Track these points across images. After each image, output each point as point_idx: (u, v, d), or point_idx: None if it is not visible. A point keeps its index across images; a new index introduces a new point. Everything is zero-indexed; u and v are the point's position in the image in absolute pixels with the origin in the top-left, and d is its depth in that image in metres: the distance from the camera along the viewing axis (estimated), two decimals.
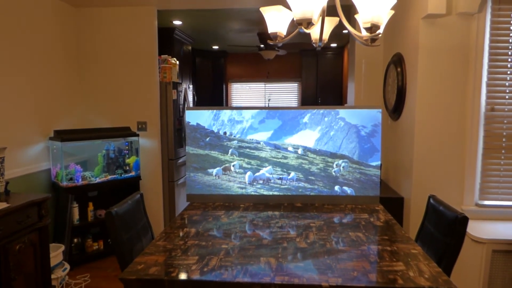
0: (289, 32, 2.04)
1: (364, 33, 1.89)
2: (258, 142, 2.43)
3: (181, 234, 1.89)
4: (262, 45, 5.59)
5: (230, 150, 2.44)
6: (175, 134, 4.23)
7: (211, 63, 7.33)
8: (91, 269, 3.50)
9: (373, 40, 1.98)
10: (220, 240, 1.80)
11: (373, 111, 2.39)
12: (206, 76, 7.24)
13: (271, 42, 2.07)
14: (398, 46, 3.26)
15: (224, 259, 1.58)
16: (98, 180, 3.61)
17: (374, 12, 1.71)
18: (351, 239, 1.81)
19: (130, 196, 2.12)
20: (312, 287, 1.36)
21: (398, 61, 3.16)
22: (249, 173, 2.44)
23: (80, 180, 3.50)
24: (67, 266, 3.24)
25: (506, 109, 2.72)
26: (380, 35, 1.79)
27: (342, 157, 2.40)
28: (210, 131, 2.45)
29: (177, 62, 4.59)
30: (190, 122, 2.45)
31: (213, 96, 7.32)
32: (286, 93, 7.56)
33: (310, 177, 2.42)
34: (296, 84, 7.51)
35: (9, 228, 2.42)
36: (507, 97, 2.71)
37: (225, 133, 2.43)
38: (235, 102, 7.68)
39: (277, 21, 1.98)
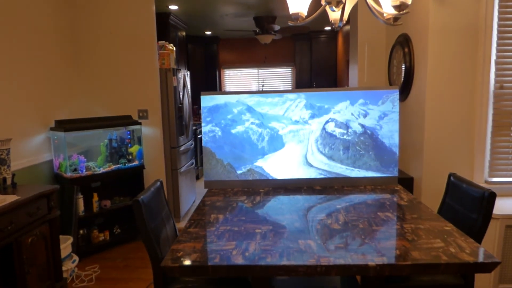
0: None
1: (390, 12, 1.86)
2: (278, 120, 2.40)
3: (210, 220, 1.86)
4: (258, 30, 5.51)
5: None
6: (177, 121, 4.16)
7: (203, 49, 7.20)
8: (99, 260, 3.45)
9: (395, 19, 1.96)
10: (252, 225, 1.78)
11: (390, 91, 2.38)
12: (198, 62, 7.12)
13: (291, 23, 2.03)
14: (404, 27, 3.25)
15: (262, 243, 1.56)
16: (102, 170, 3.52)
17: None
18: (382, 219, 1.81)
19: (151, 184, 2.07)
20: (358, 267, 1.36)
21: (404, 42, 3.16)
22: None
23: (84, 170, 3.42)
24: (76, 258, 3.18)
25: None
26: (407, 13, 1.77)
27: (359, 139, 2.40)
28: (228, 114, 2.40)
29: (174, 48, 4.49)
30: (206, 107, 2.40)
31: (206, 82, 7.22)
32: (280, 78, 7.52)
33: (331, 160, 2.41)
34: (290, 69, 7.47)
35: (21, 221, 2.35)
36: None
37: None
38: (228, 88, 7.59)
39: (298, 1, 1.93)
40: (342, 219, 1.82)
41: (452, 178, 2.16)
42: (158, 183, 2.13)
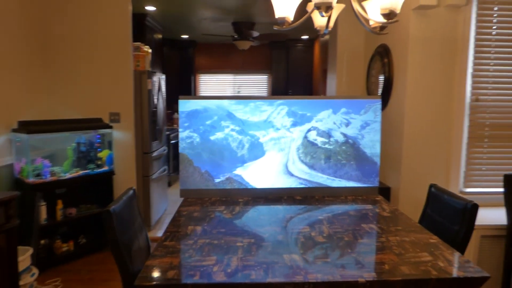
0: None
1: (378, 20, 1.83)
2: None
3: (188, 232, 1.74)
4: (236, 35, 5.44)
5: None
6: (150, 126, 4.00)
7: (179, 53, 7.04)
8: (62, 273, 3.22)
9: (382, 27, 1.94)
10: (232, 237, 1.68)
11: (372, 100, 2.36)
12: (173, 66, 6.95)
13: (276, 28, 1.97)
14: (383, 38, 3.27)
15: (245, 258, 1.46)
16: (68, 175, 3.31)
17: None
18: (366, 231, 1.76)
19: (124, 192, 1.93)
20: (348, 284, 1.28)
21: (384, 52, 3.17)
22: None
23: (48, 176, 3.19)
24: (35, 271, 2.95)
25: (489, 99, 2.81)
26: (396, 22, 1.74)
27: (341, 148, 2.36)
28: (207, 120, 2.30)
29: (150, 51, 4.34)
30: (184, 112, 2.28)
31: (181, 87, 7.06)
32: (256, 85, 7.46)
33: (312, 169, 2.35)
34: (266, 76, 7.44)
35: None
36: (490, 87, 2.81)
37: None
38: (203, 93, 7.46)
39: (285, 5, 1.86)
40: (326, 231, 1.75)
41: (433, 189, 2.15)
42: (131, 192, 1.99)
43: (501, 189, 2.69)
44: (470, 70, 2.78)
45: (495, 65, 2.78)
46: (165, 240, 1.65)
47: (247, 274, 1.32)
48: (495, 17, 2.74)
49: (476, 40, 2.76)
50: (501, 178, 2.69)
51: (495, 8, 2.73)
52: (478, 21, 2.74)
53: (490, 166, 2.87)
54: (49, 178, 3.19)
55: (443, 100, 2.81)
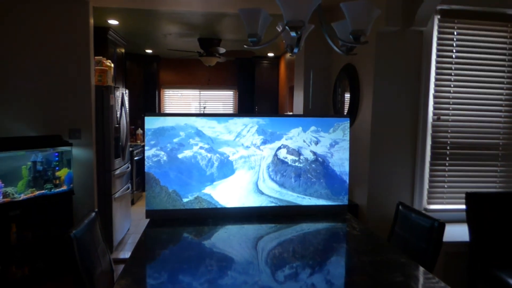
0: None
1: (347, 41, 1.87)
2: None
3: (156, 256, 1.65)
4: (203, 51, 5.41)
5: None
6: (112, 143, 3.84)
7: (143, 68, 6.90)
8: None
9: (351, 48, 1.98)
10: (203, 261, 1.60)
11: (341, 119, 2.39)
12: (137, 81, 6.79)
13: (245, 46, 1.96)
14: (349, 57, 3.35)
15: (217, 283, 1.40)
16: (23, 196, 3.09)
17: (363, 21, 1.69)
18: (338, 251, 1.75)
19: (85, 215, 1.82)
20: None
21: (350, 72, 3.25)
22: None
23: (0, 197, 2.96)
24: None
25: (450, 119, 2.94)
26: (366, 43, 1.78)
27: (311, 166, 2.36)
28: (174, 138, 2.22)
29: (112, 65, 4.21)
30: (150, 129, 2.20)
31: (145, 102, 6.89)
32: (222, 101, 7.44)
33: (282, 187, 2.33)
34: (232, 92, 7.44)
35: None
36: (450, 108, 2.94)
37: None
38: (168, 109, 7.33)
39: (256, 23, 1.86)
40: (300, 252, 1.72)
41: (400, 207, 2.19)
42: (93, 214, 1.87)
43: (462, 206, 2.79)
44: (432, 91, 2.90)
45: (455, 86, 2.92)
46: (131, 265, 1.55)
47: None
48: (455, 41, 2.89)
49: (437, 62, 2.89)
50: (462, 195, 2.79)
51: (455, 33, 2.88)
52: (439, 44, 2.88)
53: (451, 183, 2.98)
54: (1, 199, 2.96)
55: (408, 119, 2.90)
